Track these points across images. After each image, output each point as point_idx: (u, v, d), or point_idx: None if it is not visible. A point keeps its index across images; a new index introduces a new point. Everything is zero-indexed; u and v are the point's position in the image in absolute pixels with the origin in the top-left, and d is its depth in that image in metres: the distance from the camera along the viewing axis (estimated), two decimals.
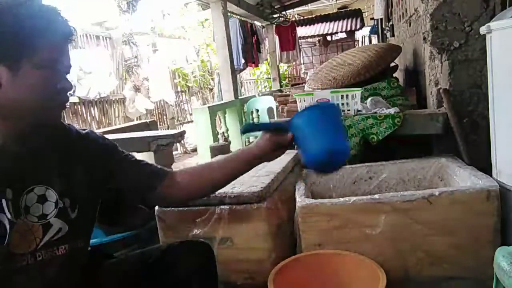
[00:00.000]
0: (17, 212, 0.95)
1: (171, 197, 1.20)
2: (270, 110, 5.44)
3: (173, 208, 1.57)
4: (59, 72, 0.97)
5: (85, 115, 5.96)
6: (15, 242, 0.94)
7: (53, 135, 1.08)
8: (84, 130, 1.17)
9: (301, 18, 12.44)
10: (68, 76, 1.00)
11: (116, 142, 1.21)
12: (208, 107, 4.94)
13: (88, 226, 1.13)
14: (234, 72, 5.85)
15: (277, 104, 3.92)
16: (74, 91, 1.05)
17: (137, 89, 6.82)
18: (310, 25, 12.11)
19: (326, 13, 12.44)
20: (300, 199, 1.55)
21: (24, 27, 0.91)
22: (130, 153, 1.21)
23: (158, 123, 6.92)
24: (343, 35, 12.39)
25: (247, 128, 1.22)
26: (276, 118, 3.56)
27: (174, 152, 2.85)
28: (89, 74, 5.69)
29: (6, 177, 0.95)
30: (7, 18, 0.90)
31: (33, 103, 0.94)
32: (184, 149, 7.45)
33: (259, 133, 1.17)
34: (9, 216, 0.93)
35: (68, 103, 1.03)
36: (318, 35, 12.09)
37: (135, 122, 5.33)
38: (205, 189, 1.22)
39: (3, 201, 0.93)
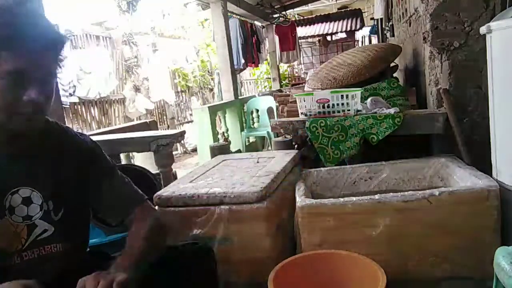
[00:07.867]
0: (1, 211, 0.96)
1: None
2: (270, 110, 5.43)
3: (173, 208, 1.57)
4: (25, 82, 0.92)
5: (85, 115, 5.96)
6: (0, 241, 0.95)
7: (45, 138, 1.07)
8: (78, 133, 1.18)
9: (301, 18, 12.43)
10: (42, 86, 0.94)
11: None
12: (208, 107, 4.95)
13: (77, 227, 1.11)
14: (234, 72, 5.85)
15: (277, 104, 3.91)
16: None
17: (137, 89, 6.82)
18: (310, 25, 12.10)
19: (326, 13, 12.44)
20: (300, 199, 1.55)
21: None
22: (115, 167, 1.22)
23: (158, 123, 6.92)
24: (343, 35, 12.39)
25: None
26: (276, 118, 3.56)
27: (174, 152, 2.85)
28: (89, 74, 5.69)
29: None
30: None
31: None
32: (184, 149, 7.45)
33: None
34: None
35: (35, 115, 0.96)
36: (318, 35, 12.09)
37: (135, 122, 5.33)
38: None
39: None
